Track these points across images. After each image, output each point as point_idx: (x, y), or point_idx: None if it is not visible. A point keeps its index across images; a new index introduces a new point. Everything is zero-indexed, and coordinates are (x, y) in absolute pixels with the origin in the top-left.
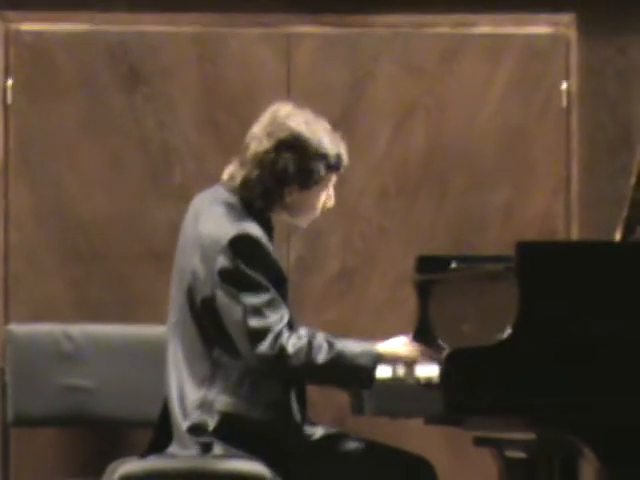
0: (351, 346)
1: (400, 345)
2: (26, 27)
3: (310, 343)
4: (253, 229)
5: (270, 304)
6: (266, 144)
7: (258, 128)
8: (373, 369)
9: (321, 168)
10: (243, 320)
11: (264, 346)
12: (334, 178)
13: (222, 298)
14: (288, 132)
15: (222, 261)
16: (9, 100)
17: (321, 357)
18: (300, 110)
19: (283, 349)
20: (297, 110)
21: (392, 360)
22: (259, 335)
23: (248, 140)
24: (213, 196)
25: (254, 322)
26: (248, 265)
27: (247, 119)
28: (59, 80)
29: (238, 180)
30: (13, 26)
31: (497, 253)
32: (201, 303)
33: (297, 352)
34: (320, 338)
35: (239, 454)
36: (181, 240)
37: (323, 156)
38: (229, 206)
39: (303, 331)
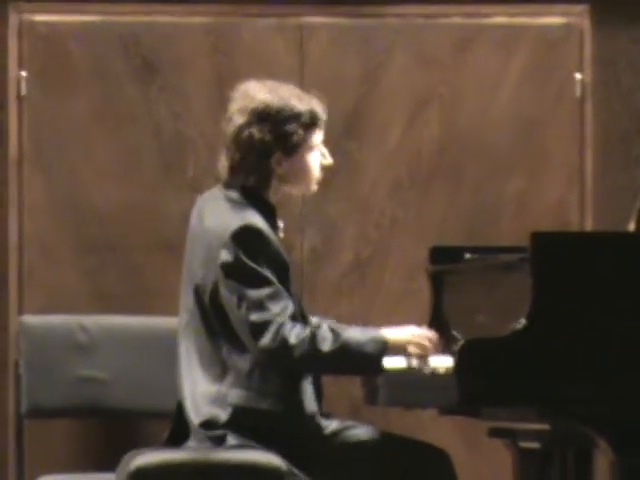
0: (357, 334)
1: (407, 331)
2: (40, 18)
3: (314, 333)
4: (255, 221)
5: (272, 297)
6: (237, 121)
7: (229, 109)
8: (380, 356)
9: (297, 129)
10: (245, 314)
11: (266, 339)
12: (319, 136)
13: (225, 293)
14: (255, 103)
15: (224, 255)
16: (23, 91)
17: (326, 347)
18: (265, 82)
19: (285, 340)
20: (261, 82)
21: (399, 346)
22: (261, 329)
23: (224, 125)
24: (214, 195)
25: (255, 316)
26: (250, 258)
27: None
28: (73, 71)
29: (227, 165)
30: (27, 17)
31: (511, 244)
32: (208, 300)
33: (300, 343)
34: (325, 328)
35: (253, 445)
36: (188, 241)
37: (295, 116)
38: (230, 200)
39: (310, 320)
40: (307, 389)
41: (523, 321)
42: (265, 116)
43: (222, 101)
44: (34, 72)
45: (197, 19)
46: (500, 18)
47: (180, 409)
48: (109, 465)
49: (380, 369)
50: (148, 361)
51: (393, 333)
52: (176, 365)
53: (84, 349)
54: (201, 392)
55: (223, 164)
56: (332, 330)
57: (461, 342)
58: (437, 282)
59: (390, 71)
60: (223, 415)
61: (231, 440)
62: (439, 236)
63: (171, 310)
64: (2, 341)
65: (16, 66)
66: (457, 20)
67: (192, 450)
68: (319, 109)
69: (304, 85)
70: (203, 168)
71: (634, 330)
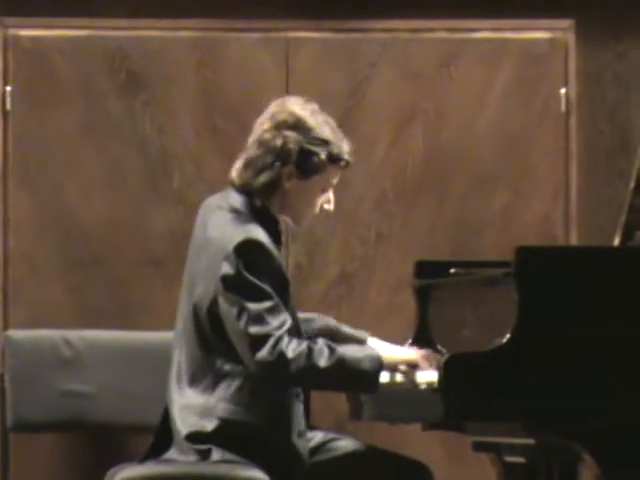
0: (353, 351)
1: (402, 349)
2: (25, 33)
3: (310, 348)
4: (258, 234)
5: (272, 311)
6: (267, 125)
7: (263, 115)
8: (376, 374)
9: (321, 153)
10: (244, 327)
11: (263, 352)
12: (335, 178)
13: (224, 305)
14: (290, 114)
15: (226, 267)
16: (8, 106)
17: (322, 362)
18: (308, 103)
19: (282, 354)
20: (304, 101)
21: (394, 364)
22: (259, 341)
23: (254, 127)
24: (219, 203)
25: (254, 329)
26: (251, 271)
27: (246, 124)
28: (58, 86)
29: (240, 164)
30: (12, 32)
31: (496, 258)
32: (205, 311)
33: (297, 357)
34: (321, 343)
35: (238, 460)
36: (191, 249)
37: (324, 141)
38: (235, 212)
39: (304, 337)
40: (298, 408)
41: (508, 335)
42: (295, 127)
43: (207, 115)
44: (19, 87)
45: (183, 34)
46: (485, 33)
47: (166, 416)
48: (94, 479)
49: (376, 387)
50: (133, 375)
51: (389, 352)
52: (168, 371)
53: (69, 363)
54: (189, 402)
55: (237, 165)
56: (329, 346)
57: (446, 356)
58: (422, 296)
59: (376, 85)
60: (209, 426)
61: (216, 454)
62: (424, 250)
63: (156, 325)
64: None
65: (1, 81)
66: (442, 35)
67: (177, 464)
68: (348, 150)
69: None
70: (188, 182)
71: (619, 344)
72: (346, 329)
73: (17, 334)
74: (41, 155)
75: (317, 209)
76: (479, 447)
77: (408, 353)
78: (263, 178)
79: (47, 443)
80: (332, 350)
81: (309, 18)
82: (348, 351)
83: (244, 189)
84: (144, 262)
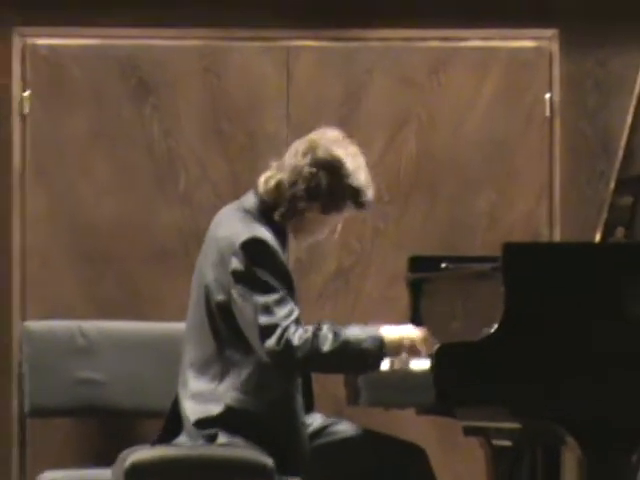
0: (356, 332)
1: (404, 329)
2: (42, 42)
3: (315, 335)
4: (264, 233)
5: (279, 302)
6: (307, 159)
7: (302, 144)
8: (378, 352)
9: (349, 200)
10: (254, 318)
11: (272, 341)
12: (349, 214)
13: (236, 298)
14: (332, 157)
15: (235, 263)
16: (26, 110)
17: (327, 346)
18: (347, 140)
19: (289, 342)
20: (344, 139)
21: (396, 343)
22: (268, 331)
23: (291, 151)
24: (236, 205)
25: (264, 319)
26: (258, 267)
27: (249, 128)
28: (72, 91)
29: (272, 182)
30: (30, 41)
31: (484, 254)
32: (216, 303)
33: (303, 344)
34: (325, 329)
35: (243, 443)
36: (204, 245)
37: (355, 190)
38: (246, 212)
39: (311, 325)
40: (298, 399)
41: (495, 326)
42: (332, 170)
43: (212, 120)
44: (36, 92)
45: (190, 42)
46: (474, 42)
47: (176, 402)
48: (106, 461)
49: (379, 364)
50: (143, 363)
51: (391, 330)
52: (181, 360)
53: (83, 352)
54: (199, 390)
55: (271, 175)
56: (333, 330)
57: (436, 346)
58: (415, 289)
59: (371, 92)
60: (216, 410)
61: (222, 438)
62: (417, 246)
63: (163, 315)
64: (6, 345)
65: (19, 86)
66: (434, 44)
67: (185, 447)
68: (371, 197)
69: (290, 105)
70: (194, 183)
71: (598, 333)
72: None
73: (34, 325)
74: (56, 156)
75: (322, 237)
76: (469, 431)
77: (410, 331)
78: (288, 204)
79: (62, 427)
80: (336, 334)
81: (308, 28)
82: (352, 333)
83: (267, 202)
84: (152, 258)
